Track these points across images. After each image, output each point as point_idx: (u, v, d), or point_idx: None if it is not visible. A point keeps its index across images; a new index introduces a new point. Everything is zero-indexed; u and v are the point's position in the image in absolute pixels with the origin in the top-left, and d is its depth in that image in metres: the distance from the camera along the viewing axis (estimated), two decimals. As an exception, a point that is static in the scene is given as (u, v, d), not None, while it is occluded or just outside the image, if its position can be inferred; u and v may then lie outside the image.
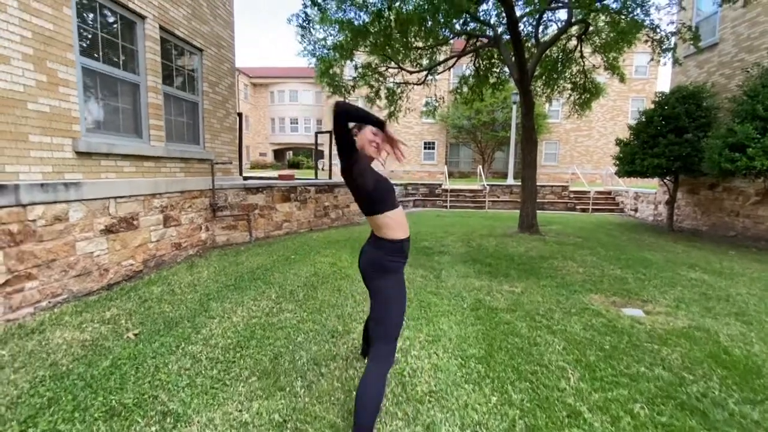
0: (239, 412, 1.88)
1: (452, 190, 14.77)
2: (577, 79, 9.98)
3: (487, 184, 14.17)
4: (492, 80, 10.35)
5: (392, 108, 10.58)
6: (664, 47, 7.65)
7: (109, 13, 4.15)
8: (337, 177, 11.76)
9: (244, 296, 3.58)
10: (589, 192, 14.10)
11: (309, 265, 4.80)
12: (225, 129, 6.61)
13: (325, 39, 9.33)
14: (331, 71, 9.55)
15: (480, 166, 15.30)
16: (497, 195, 14.79)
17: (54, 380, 2.09)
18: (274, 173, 21.14)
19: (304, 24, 7.76)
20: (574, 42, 9.26)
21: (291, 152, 36.08)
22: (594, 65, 9.79)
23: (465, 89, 10.70)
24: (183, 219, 5.40)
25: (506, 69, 9.64)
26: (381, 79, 10.24)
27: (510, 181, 16.21)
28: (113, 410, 1.85)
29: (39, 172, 3.34)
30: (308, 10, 7.66)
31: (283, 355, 2.47)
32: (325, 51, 9.38)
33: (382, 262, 1.76)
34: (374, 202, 1.76)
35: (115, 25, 4.24)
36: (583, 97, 10.17)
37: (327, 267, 4.64)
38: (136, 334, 2.72)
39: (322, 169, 11.94)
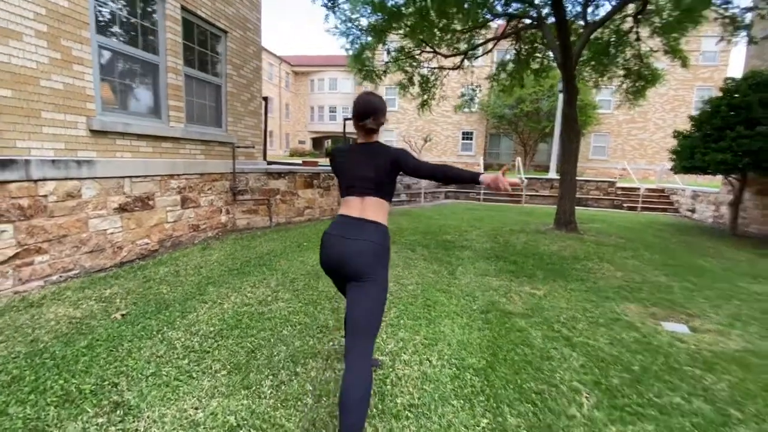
0: (195, 410, 1.72)
1: (487, 183, 14.09)
2: (631, 65, 9.01)
3: (525, 177, 13.37)
4: (534, 65, 9.61)
5: (426, 96, 10.16)
6: (736, 25, 6.64)
7: (127, -9, 4.14)
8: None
9: (243, 282, 3.48)
10: (639, 189, 12.91)
11: (318, 253, 4.63)
12: (249, 113, 6.57)
13: (357, 19, 9.07)
14: (363, 55, 9.29)
15: (518, 158, 14.44)
16: (536, 189, 13.94)
17: (27, 357, 2.05)
18: (311, 160, 21.41)
19: (330, 4, 7.51)
20: (629, 22, 8.32)
21: (329, 140, 36.41)
22: (651, 48, 8.77)
23: (503, 75, 10.03)
24: (202, 201, 5.43)
25: (550, 54, 8.89)
26: (415, 64, 9.83)
27: (552, 174, 15.21)
28: (68, 396, 1.76)
29: (51, 149, 3.39)
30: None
31: (262, 348, 2.30)
32: (357, 32, 9.12)
33: (388, 251, 1.68)
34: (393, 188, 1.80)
35: (134, 4, 4.22)
36: (636, 84, 9.19)
37: (336, 256, 4.45)
38: (123, 315, 2.67)
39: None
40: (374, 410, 1.78)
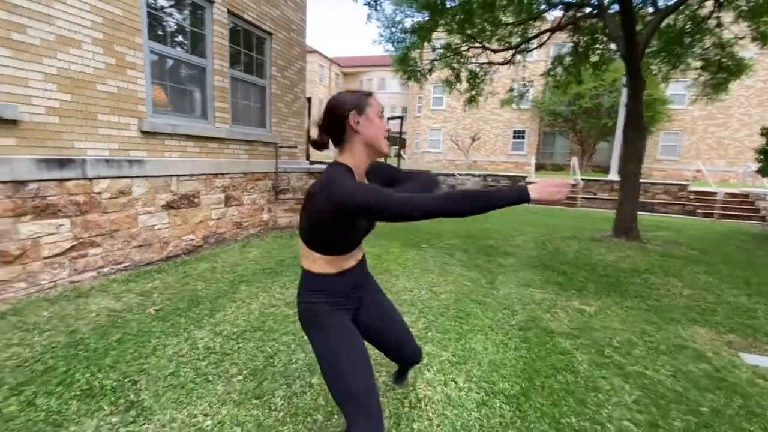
0: (204, 416, 1.68)
1: (538, 185, 13.30)
2: (711, 55, 7.98)
3: (582, 179, 12.41)
4: (593, 58, 8.86)
5: (473, 92, 9.77)
6: None
7: (177, -2, 4.33)
8: (408, 164, 11.39)
9: (274, 282, 3.48)
10: (717, 193, 11.46)
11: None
12: (292, 113, 6.68)
13: (402, 22, 8.93)
14: (408, 56, 9.13)
15: (574, 158, 13.45)
16: (594, 191, 12.91)
17: (63, 348, 2.16)
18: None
19: (371, 2, 7.42)
20: (708, 7, 7.35)
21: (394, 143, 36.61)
22: (736, 35, 7.70)
23: (559, 70, 9.36)
24: (245, 199, 5.59)
25: (613, 45, 8.14)
26: (462, 60, 9.49)
27: (613, 176, 14.01)
28: (91, 390, 1.80)
29: (106, 149, 3.62)
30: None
31: (281, 354, 2.24)
32: (401, 35, 8.97)
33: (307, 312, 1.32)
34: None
35: (183, 10, 4.42)
36: (717, 77, 8.13)
37: (370, 258, 4.33)
38: (157, 310, 2.75)
39: (402, 158, 11.65)
40: (387, 435, 1.63)
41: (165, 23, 4.22)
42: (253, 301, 3.01)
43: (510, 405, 1.89)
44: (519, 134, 23.41)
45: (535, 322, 2.91)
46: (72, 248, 3.36)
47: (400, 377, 1.90)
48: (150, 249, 4.12)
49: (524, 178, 14.08)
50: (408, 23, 8.86)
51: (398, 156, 10.53)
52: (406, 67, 9.13)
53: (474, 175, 13.67)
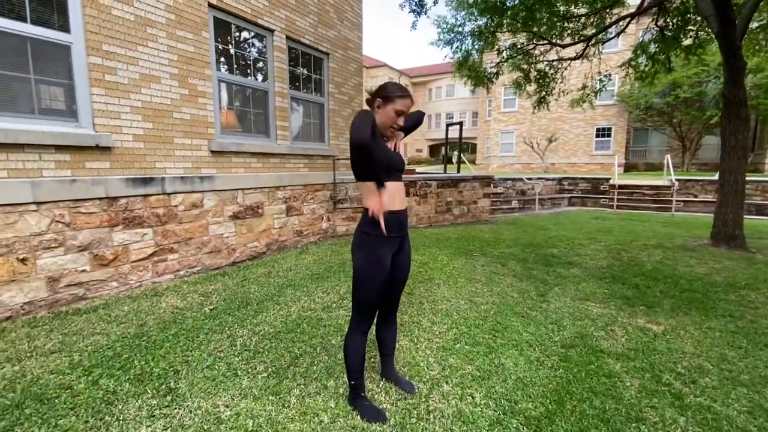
0: (225, 407, 1.85)
1: (623, 186, 11.94)
2: None
3: (677, 179, 10.81)
4: (686, 42, 7.75)
5: (542, 92, 9.19)
6: None
7: (241, 31, 4.86)
8: (465, 172, 11.04)
9: (318, 287, 3.66)
10: None
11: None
12: (350, 127, 6.97)
13: (461, 26, 8.80)
14: (470, 61, 8.95)
15: (667, 156, 11.76)
16: (694, 193, 11.18)
17: (131, 338, 2.53)
18: (427, 168, 21.62)
19: (417, 9, 7.42)
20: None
21: (444, 147, 36.27)
22: None
23: (643, 59, 8.36)
24: (305, 209, 5.97)
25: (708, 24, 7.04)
26: (530, 60, 9.00)
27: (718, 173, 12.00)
28: (142, 375, 2.09)
29: (181, 168, 4.17)
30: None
31: (306, 355, 2.35)
32: (461, 38, 8.83)
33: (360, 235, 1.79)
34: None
35: (246, 40, 4.93)
36: None
37: (415, 266, 4.32)
38: (211, 309, 3.08)
39: (461, 162, 11.40)
40: (385, 444, 1.62)
41: (230, 54, 4.75)
42: (294, 304, 3.20)
43: (528, 427, 1.74)
44: (604, 132, 21.28)
45: (583, 340, 2.63)
46: (154, 254, 3.93)
47: (403, 384, 2.02)
48: (219, 255, 4.62)
49: (608, 179, 12.75)
50: (468, 27, 8.71)
51: (458, 161, 10.28)
52: (469, 72, 8.95)
53: (546, 179, 12.76)
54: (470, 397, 1.96)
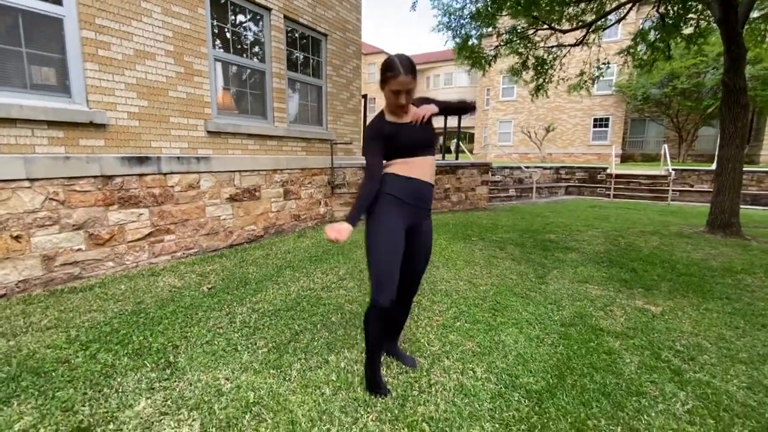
0: (225, 380, 1.84)
1: (620, 176, 11.96)
2: None
3: (673, 169, 10.85)
4: (686, 30, 7.69)
5: (540, 80, 9.11)
6: None
7: (237, 9, 4.73)
8: (463, 159, 10.99)
9: (316, 268, 3.64)
10: None
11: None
12: (348, 110, 6.89)
13: (462, 9, 8.66)
14: (469, 43, 8.84)
15: (665, 146, 11.78)
16: (690, 183, 11.23)
17: (129, 315, 2.51)
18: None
19: None
20: None
21: (442, 136, 36.10)
22: None
23: (641, 48, 8.30)
24: (302, 193, 5.91)
25: (710, 12, 6.99)
26: (529, 44, 8.90)
27: (716, 161, 12.05)
28: (141, 350, 2.07)
29: (177, 148, 4.10)
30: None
31: (306, 332, 2.34)
32: (462, 21, 8.71)
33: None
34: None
35: (242, 19, 4.82)
36: None
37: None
38: (209, 288, 3.06)
39: (460, 151, 11.33)
40: (386, 414, 1.62)
41: (227, 32, 4.64)
42: (294, 284, 3.18)
43: (529, 400, 1.75)
44: (601, 122, 21.25)
45: (583, 319, 2.64)
46: (150, 234, 3.88)
47: (406, 359, 2.02)
48: (216, 237, 4.57)
49: (605, 169, 12.76)
50: (467, 10, 8.58)
51: (457, 150, 10.23)
52: (469, 53, 8.83)
53: (544, 168, 12.75)
54: (471, 372, 1.96)
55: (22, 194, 2.96)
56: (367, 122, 7.44)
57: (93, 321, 2.40)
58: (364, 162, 1.72)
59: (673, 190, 10.64)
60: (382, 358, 2.05)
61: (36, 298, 2.78)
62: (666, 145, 11.89)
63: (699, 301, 3.06)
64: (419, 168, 1.74)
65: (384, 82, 1.67)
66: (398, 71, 1.61)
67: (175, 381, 1.82)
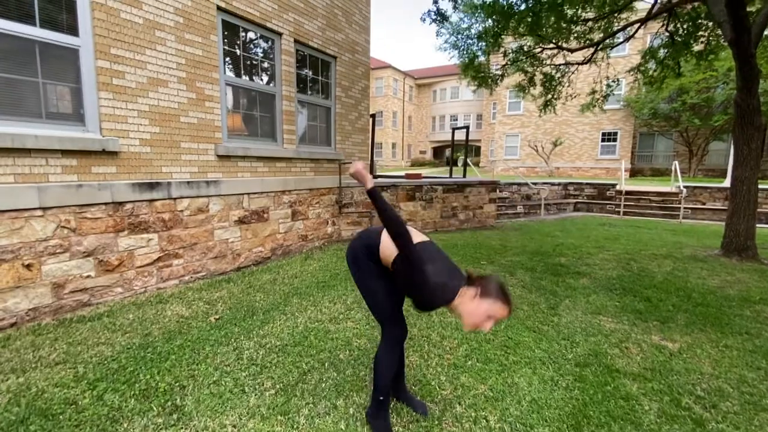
0: (233, 427, 1.80)
1: (630, 192, 11.83)
2: None
3: (685, 186, 10.71)
4: (696, 48, 7.67)
5: (549, 96, 9.12)
6: None
7: (249, 34, 4.81)
8: (471, 176, 10.97)
9: (324, 296, 3.60)
10: None
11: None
12: (356, 130, 6.93)
13: (469, 28, 8.76)
14: (476, 62, 8.91)
15: (675, 162, 11.65)
16: (702, 201, 11.06)
17: (136, 349, 2.49)
18: (431, 171, 21.55)
19: (438, 19, 7.39)
20: None
21: (449, 149, 36.25)
22: None
23: (652, 65, 8.28)
24: (310, 214, 5.92)
25: (721, 31, 6.97)
26: (536, 63, 8.94)
27: (730, 182, 11.88)
28: (147, 391, 2.04)
29: (187, 172, 4.13)
30: (440, 4, 7.30)
31: (314, 371, 2.30)
32: (469, 41, 8.79)
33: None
34: None
35: (254, 44, 4.89)
36: None
37: (423, 275, 4.25)
38: (216, 319, 3.03)
39: (467, 166, 11.30)
40: (398, 472, 1.56)
41: (238, 57, 4.71)
42: (301, 315, 3.15)
43: (546, 455, 1.68)
44: (609, 136, 21.18)
45: (598, 358, 2.57)
46: (159, 259, 3.89)
47: (416, 405, 1.96)
48: (224, 260, 4.57)
49: (614, 185, 12.64)
50: (474, 30, 8.67)
51: (464, 166, 10.22)
52: (476, 73, 8.89)
53: (552, 184, 12.66)
54: (484, 420, 1.90)
55: (35, 223, 2.98)
56: (375, 138, 7.44)
57: (101, 356, 2.39)
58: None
59: (684, 208, 10.49)
60: (392, 404, 2.00)
61: (45, 328, 2.78)
62: (676, 162, 11.76)
63: (718, 336, 2.96)
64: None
65: (489, 303, 1.50)
66: (510, 308, 1.55)
67: (182, 428, 1.78)
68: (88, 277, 3.33)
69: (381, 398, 1.76)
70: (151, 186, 3.74)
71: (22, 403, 1.89)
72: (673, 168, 11.57)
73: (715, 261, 5.41)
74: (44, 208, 3.02)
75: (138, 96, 3.59)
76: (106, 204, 3.39)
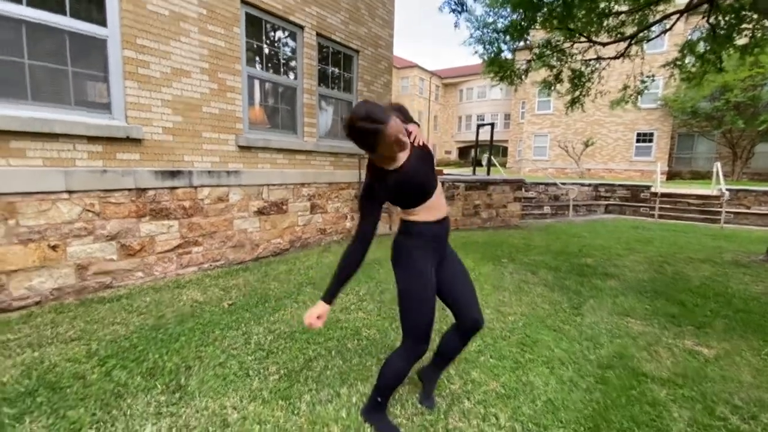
0: (233, 409, 1.77)
1: (666, 195, 11.20)
2: None
3: (727, 189, 10.01)
4: (740, 41, 7.15)
5: (577, 92, 8.75)
6: None
7: (271, 27, 4.85)
8: (496, 175, 10.69)
9: (337, 287, 3.56)
10: None
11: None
12: (378, 125, 6.87)
13: (495, 22, 8.52)
14: (501, 57, 8.67)
15: (717, 164, 10.91)
16: (746, 204, 10.32)
17: (149, 330, 2.52)
18: (455, 170, 21.26)
19: (457, 9, 7.21)
20: None
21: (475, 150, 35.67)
22: None
23: (689, 60, 7.79)
24: (329, 207, 5.91)
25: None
26: (564, 57, 8.60)
27: (777, 186, 11.02)
28: (154, 369, 2.06)
29: (209, 162, 4.20)
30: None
31: (320, 358, 2.25)
32: (494, 35, 8.55)
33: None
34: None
35: (276, 36, 4.93)
36: None
37: (439, 271, 4.14)
38: (230, 305, 3.05)
39: (491, 165, 11.05)
40: (397, 464, 1.48)
41: (260, 49, 4.75)
42: (312, 304, 3.09)
43: (559, 458, 1.56)
44: (645, 137, 20.18)
45: (623, 360, 2.39)
46: (179, 246, 3.96)
47: (428, 395, 1.85)
48: (242, 250, 4.62)
49: (649, 187, 12.00)
50: (500, 24, 8.42)
51: (488, 164, 9.97)
52: (499, 68, 8.64)
53: (582, 184, 12.17)
54: (494, 417, 1.79)
55: (61, 206, 3.10)
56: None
57: (114, 334, 2.43)
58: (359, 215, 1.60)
59: (726, 212, 9.81)
60: (398, 394, 1.92)
61: (67, 307, 2.87)
62: (718, 163, 11.02)
63: (760, 344, 2.70)
64: (440, 206, 1.61)
65: (375, 142, 1.36)
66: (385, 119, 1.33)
67: (183, 407, 1.77)
68: (110, 260, 3.43)
69: (379, 399, 1.66)
70: (173, 174, 3.82)
71: (33, 375, 1.94)
72: (714, 169, 10.85)
73: (759, 267, 5.00)
74: (70, 192, 3.13)
75: (162, 86, 3.67)
76: (129, 190, 3.49)
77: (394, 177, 1.46)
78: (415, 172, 1.48)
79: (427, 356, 1.98)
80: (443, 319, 2.68)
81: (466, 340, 1.73)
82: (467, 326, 1.67)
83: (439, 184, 1.64)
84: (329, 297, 1.55)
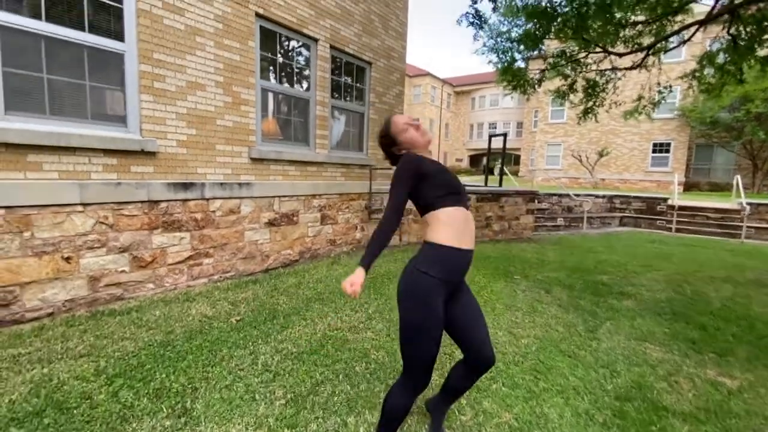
0: (238, 437, 1.74)
1: (684, 208, 10.92)
2: None
3: (748, 203, 9.71)
4: (761, 52, 6.96)
5: (591, 103, 8.62)
6: None
7: (285, 40, 4.89)
8: (508, 186, 10.55)
9: (345, 303, 3.52)
10: None
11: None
12: (389, 135, 6.86)
13: (508, 32, 8.49)
14: (514, 66, 8.61)
15: (737, 177, 10.60)
16: (769, 220, 10.00)
17: (157, 347, 2.51)
18: (466, 179, 21.14)
19: (476, 21, 7.20)
20: None
21: (486, 157, 35.48)
22: None
23: (708, 71, 7.61)
24: (339, 218, 5.90)
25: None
26: (578, 67, 8.50)
27: (801, 200, 10.64)
28: (160, 391, 2.04)
29: (221, 174, 4.22)
30: (479, 6, 7.10)
31: (328, 383, 2.21)
32: (509, 45, 8.51)
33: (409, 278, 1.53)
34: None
35: (290, 49, 4.97)
36: None
37: (450, 287, 4.07)
38: (238, 320, 3.03)
39: (504, 174, 10.94)
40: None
41: (274, 62, 4.79)
42: (321, 321, 3.08)
43: (576, 502, 1.48)
44: (661, 147, 19.80)
45: (642, 391, 2.29)
46: (190, 257, 3.98)
47: (437, 427, 1.79)
48: (253, 261, 4.62)
49: (666, 200, 11.72)
50: (514, 33, 8.38)
51: (501, 174, 9.87)
52: (512, 77, 8.59)
53: (596, 196, 11.95)
54: (507, 454, 1.72)
55: (75, 218, 3.13)
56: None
57: (123, 351, 2.43)
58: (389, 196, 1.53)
59: (747, 227, 9.51)
60: (411, 421, 1.86)
61: (77, 320, 2.89)
62: (738, 176, 10.73)
63: (789, 376, 2.57)
64: (468, 230, 1.53)
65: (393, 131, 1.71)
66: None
67: (188, 432, 1.74)
68: (122, 271, 3.45)
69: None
70: (186, 186, 3.85)
71: (41, 394, 1.94)
72: (735, 183, 10.56)
73: (785, 288, 4.80)
74: (85, 204, 3.17)
75: (177, 99, 3.72)
76: (142, 202, 3.52)
77: (428, 161, 1.56)
78: (441, 166, 1.61)
79: (436, 383, 1.93)
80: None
81: (476, 378, 1.65)
82: (479, 365, 1.59)
83: (470, 211, 1.60)
84: (366, 264, 1.49)
